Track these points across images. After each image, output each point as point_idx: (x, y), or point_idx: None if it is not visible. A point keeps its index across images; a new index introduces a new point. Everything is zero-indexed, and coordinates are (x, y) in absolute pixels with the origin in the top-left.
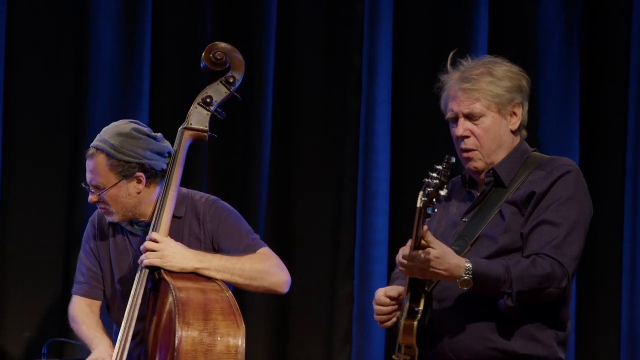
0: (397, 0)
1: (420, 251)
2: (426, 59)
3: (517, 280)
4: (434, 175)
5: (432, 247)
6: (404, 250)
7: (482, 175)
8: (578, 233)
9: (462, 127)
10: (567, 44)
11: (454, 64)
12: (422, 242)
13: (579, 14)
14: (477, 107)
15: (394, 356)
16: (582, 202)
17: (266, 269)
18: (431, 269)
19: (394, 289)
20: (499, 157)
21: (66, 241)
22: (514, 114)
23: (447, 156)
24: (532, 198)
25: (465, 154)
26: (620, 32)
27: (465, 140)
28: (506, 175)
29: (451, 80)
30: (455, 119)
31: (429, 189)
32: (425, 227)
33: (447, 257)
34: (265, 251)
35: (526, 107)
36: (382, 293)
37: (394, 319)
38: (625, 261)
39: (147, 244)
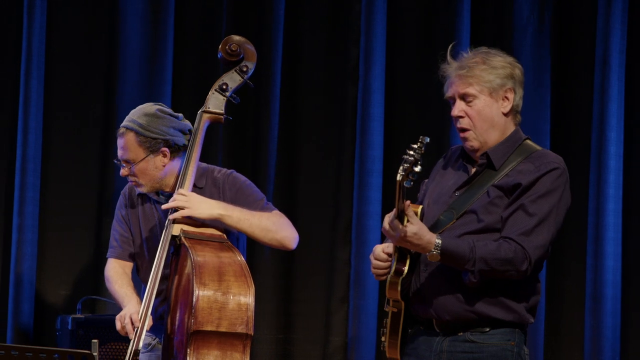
0: (391, 0)
1: (400, 225)
2: (416, 51)
3: (480, 261)
4: (410, 152)
5: (411, 223)
6: (389, 217)
7: (478, 154)
8: (548, 224)
9: (457, 109)
10: (539, 38)
11: (455, 55)
12: (405, 214)
13: (550, 10)
14: (471, 90)
15: (385, 307)
16: (559, 196)
17: (280, 223)
18: (407, 241)
19: (391, 246)
20: (491, 136)
21: (98, 210)
22: (506, 98)
23: (421, 136)
24: (518, 189)
25: (461, 134)
26: (586, 27)
27: (461, 120)
28: (498, 160)
29: (451, 68)
30: (453, 100)
31: (405, 165)
32: (408, 202)
33: (421, 233)
34: (278, 212)
35: (520, 93)
36: (380, 249)
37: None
38: (590, 231)
39: (176, 195)
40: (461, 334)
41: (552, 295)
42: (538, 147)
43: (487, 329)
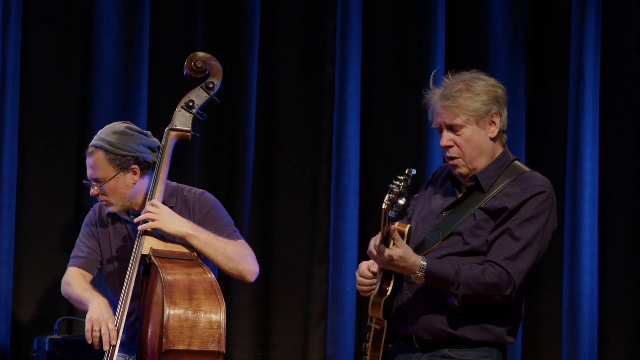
0: (366, 18)
1: (387, 249)
2: (391, 69)
3: (464, 285)
4: (397, 184)
5: (397, 247)
6: (375, 241)
7: (466, 180)
8: (533, 249)
9: (445, 139)
10: (513, 56)
11: (437, 81)
12: (391, 238)
13: (524, 27)
14: (457, 121)
15: (368, 323)
16: (545, 221)
17: (244, 255)
18: (394, 264)
19: (377, 265)
20: (480, 163)
21: (74, 231)
22: (493, 123)
23: (408, 169)
24: (504, 213)
25: (451, 162)
26: (560, 43)
27: (450, 149)
28: (486, 183)
29: (435, 96)
30: (441, 130)
31: (391, 196)
32: (393, 226)
33: (407, 256)
34: (244, 242)
35: (505, 114)
36: (365, 267)
37: (375, 291)
38: (567, 247)
39: (148, 207)
40: (439, 349)
41: (530, 311)
42: (526, 169)
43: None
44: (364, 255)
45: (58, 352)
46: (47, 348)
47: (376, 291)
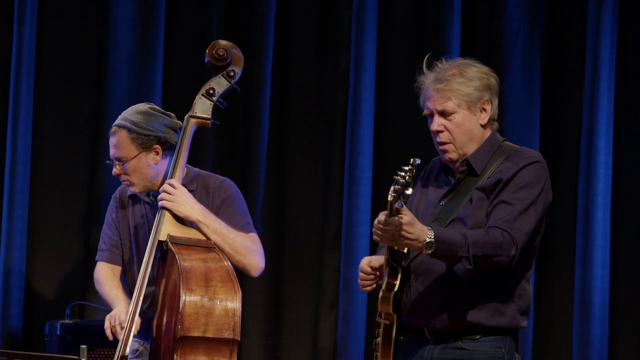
0: (381, 7)
1: (393, 217)
2: (406, 59)
3: (473, 245)
4: (401, 174)
5: (404, 215)
6: (380, 217)
7: (457, 164)
8: (529, 213)
9: (436, 123)
10: (529, 49)
11: (430, 66)
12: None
13: (540, 22)
14: (449, 105)
15: (377, 319)
16: (539, 188)
17: (251, 250)
18: (402, 233)
19: (377, 260)
20: (470, 148)
21: (87, 215)
22: (484, 109)
23: (412, 159)
24: (499, 184)
25: (440, 147)
26: (576, 39)
27: (440, 134)
28: (478, 165)
29: (427, 80)
30: (431, 116)
31: (397, 187)
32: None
33: (415, 223)
34: (255, 236)
35: (495, 103)
36: (366, 262)
37: (374, 286)
38: (579, 240)
39: (165, 186)
40: (452, 341)
41: (541, 303)
42: (516, 147)
43: (478, 337)
44: (375, 245)
45: (69, 336)
46: (58, 332)
47: (384, 286)
